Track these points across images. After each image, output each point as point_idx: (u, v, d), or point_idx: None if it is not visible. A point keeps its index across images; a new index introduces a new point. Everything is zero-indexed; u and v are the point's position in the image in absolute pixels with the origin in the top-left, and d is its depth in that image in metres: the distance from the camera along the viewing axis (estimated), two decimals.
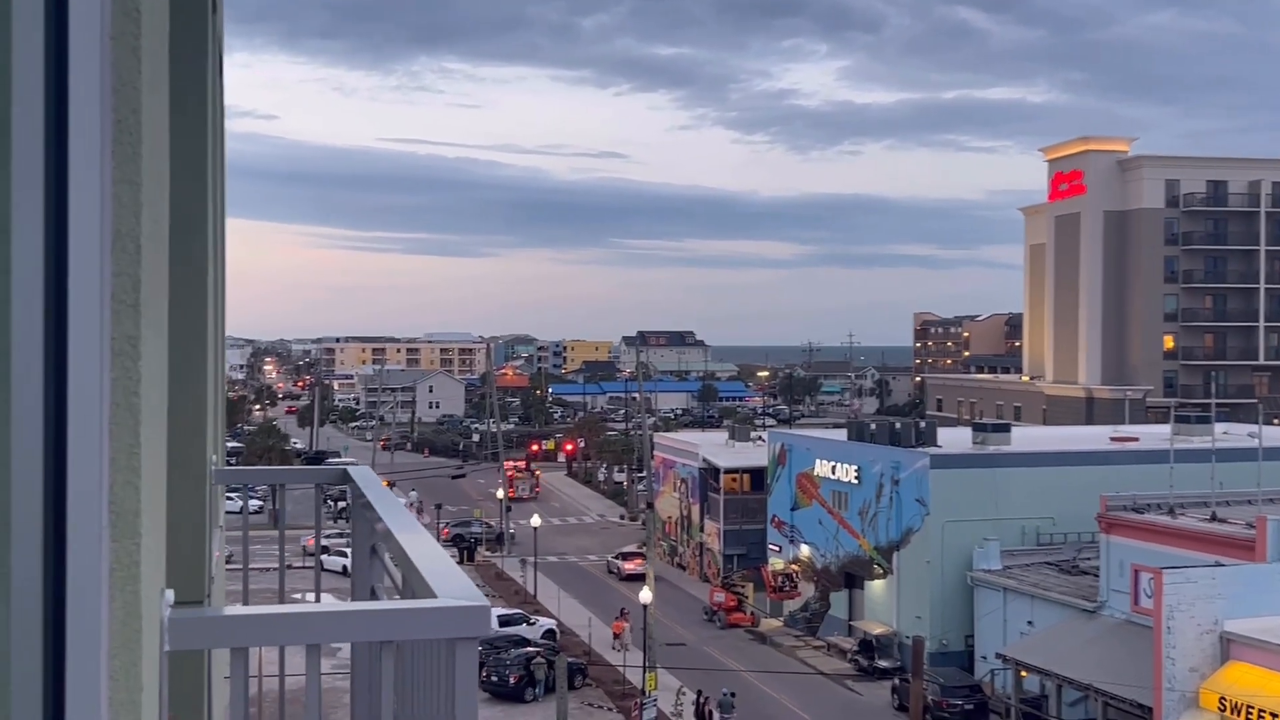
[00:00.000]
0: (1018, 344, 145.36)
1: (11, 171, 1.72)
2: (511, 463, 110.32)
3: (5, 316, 1.72)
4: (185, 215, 4.42)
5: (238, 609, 2.39)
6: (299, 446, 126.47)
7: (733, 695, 49.46)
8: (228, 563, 5.23)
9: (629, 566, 75.75)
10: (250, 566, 5.55)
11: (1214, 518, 45.97)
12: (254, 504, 69.47)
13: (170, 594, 2.31)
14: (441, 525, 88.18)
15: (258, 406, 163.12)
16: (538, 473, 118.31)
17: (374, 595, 4.14)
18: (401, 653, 3.14)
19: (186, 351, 4.43)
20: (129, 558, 1.86)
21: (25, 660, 1.72)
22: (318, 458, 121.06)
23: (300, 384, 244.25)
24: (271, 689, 4.91)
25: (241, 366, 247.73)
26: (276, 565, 5.41)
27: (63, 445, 1.75)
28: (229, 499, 6.52)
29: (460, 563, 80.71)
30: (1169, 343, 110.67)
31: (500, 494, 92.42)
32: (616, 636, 58.14)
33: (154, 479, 2.11)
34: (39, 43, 1.72)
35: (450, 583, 2.57)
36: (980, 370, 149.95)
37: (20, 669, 1.71)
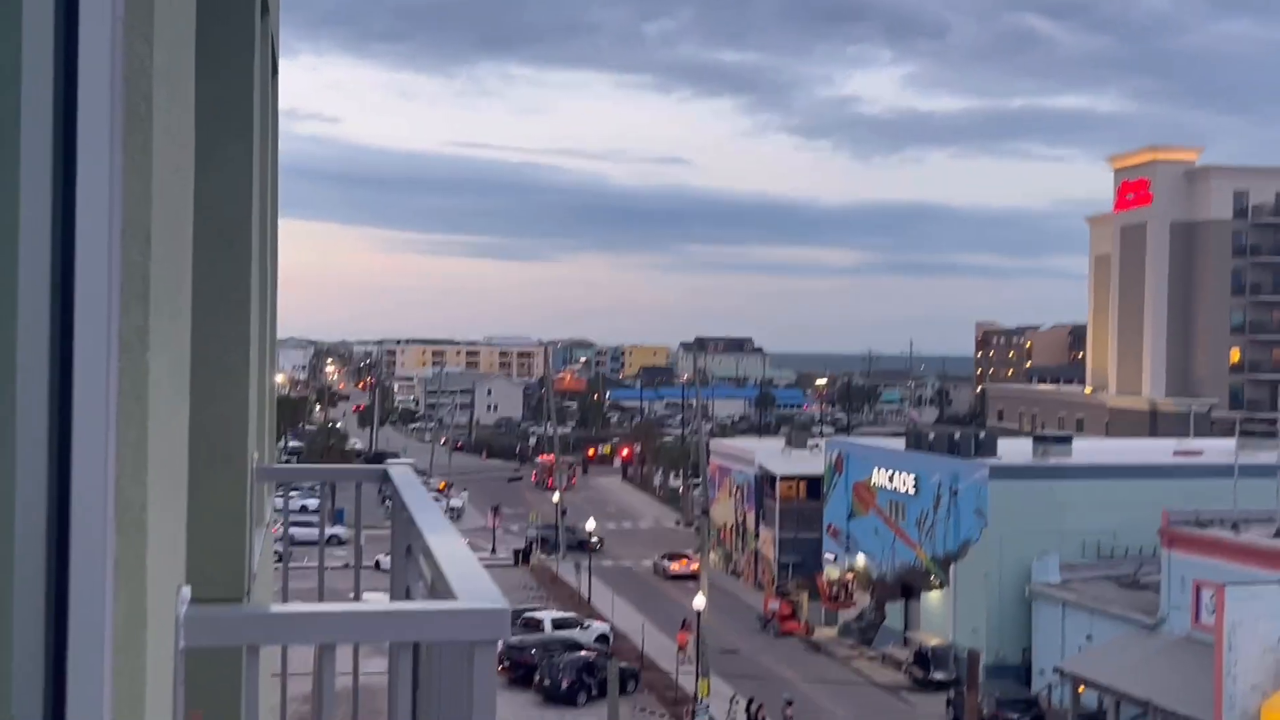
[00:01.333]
0: (1081, 355, 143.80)
1: (20, 159, 1.70)
2: (546, 457, 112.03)
3: (11, 306, 1.70)
4: (227, 212, 4.43)
5: (249, 608, 2.37)
6: (358, 447, 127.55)
7: (789, 703, 49.05)
8: (325, 562, 5.23)
9: (674, 567, 78.12)
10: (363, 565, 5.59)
11: (1279, 533, 45.16)
12: (314, 503, 69.97)
13: (187, 590, 2.29)
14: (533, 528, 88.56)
15: (319, 406, 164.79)
16: (574, 464, 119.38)
17: (409, 595, 4.12)
18: (430, 653, 3.11)
19: (226, 348, 4.43)
20: (135, 552, 1.83)
21: (27, 653, 1.70)
22: (378, 458, 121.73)
23: (361, 385, 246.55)
24: (344, 687, 4.92)
25: (303, 367, 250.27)
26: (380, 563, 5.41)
27: (67, 437, 1.73)
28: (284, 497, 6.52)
29: (515, 565, 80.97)
30: (1235, 355, 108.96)
31: (555, 497, 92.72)
32: (681, 649, 57.73)
33: (167, 473, 2.09)
34: (49, 28, 1.70)
35: (473, 584, 2.54)
36: (1042, 381, 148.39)
37: (22, 661, 1.69)
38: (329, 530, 64.76)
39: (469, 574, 2.67)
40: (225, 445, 4.51)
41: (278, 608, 2.29)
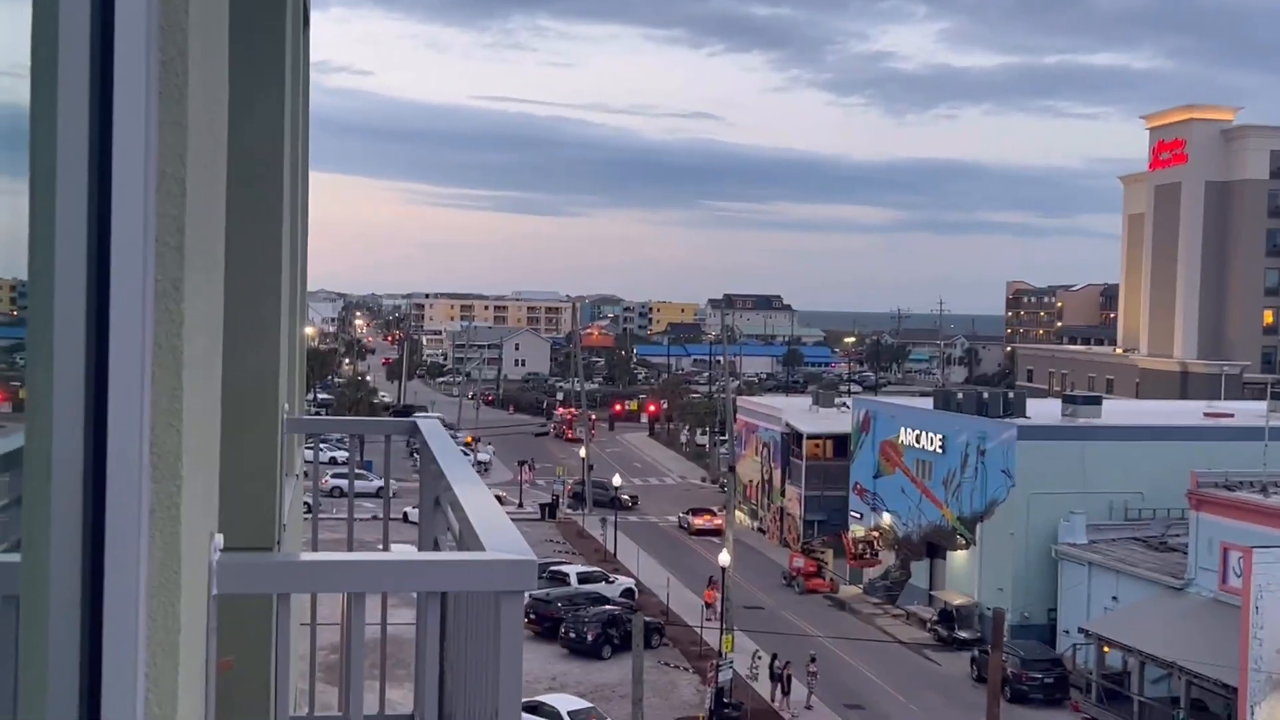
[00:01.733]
0: (1112, 315, 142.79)
1: (57, 112, 1.72)
2: (564, 410, 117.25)
3: (49, 254, 1.73)
4: (257, 166, 4.45)
5: (281, 556, 2.40)
6: (387, 400, 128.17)
7: (813, 659, 49.17)
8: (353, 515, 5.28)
9: (698, 522, 78.80)
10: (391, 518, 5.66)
11: None
12: (343, 455, 70.31)
13: (220, 538, 2.32)
14: (566, 483, 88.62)
15: (348, 360, 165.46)
16: (593, 416, 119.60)
17: (436, 546, 4.17)
18: (458, 603, 3.14)
19: (257, 301, 4.46)
20: (169, 500, 1.86)
21: (64, 596, 1.73)
22: (406, 411, 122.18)
23: (390, 338, 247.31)
24: (373, 637, 5.00)
25: (332, 320, 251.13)
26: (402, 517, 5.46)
27: (104, 386, 1.76)
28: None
29: (542, 519, 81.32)
30: (1268, 317, 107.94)
31: (582, 452, 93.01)
32: (708, 605, 57.89)
33: (201, 423, 2.12)
34: None
35: (500, 536, 2.57)
36: (1073, 341, 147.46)
37: (59, 604, 1.73)
38: (375, 482, 64.56)
39: (496, 526, 2.69)
40: (257, 396, 4.55)
41: (309, 556, 2.33)
